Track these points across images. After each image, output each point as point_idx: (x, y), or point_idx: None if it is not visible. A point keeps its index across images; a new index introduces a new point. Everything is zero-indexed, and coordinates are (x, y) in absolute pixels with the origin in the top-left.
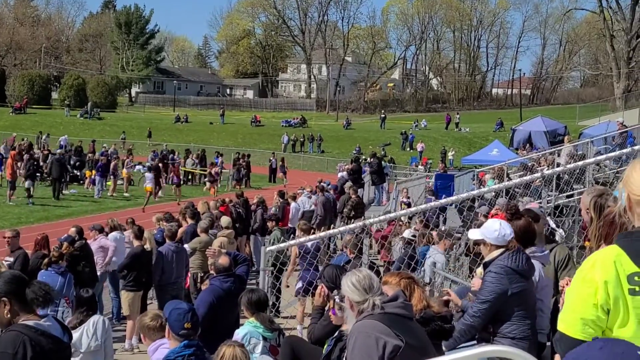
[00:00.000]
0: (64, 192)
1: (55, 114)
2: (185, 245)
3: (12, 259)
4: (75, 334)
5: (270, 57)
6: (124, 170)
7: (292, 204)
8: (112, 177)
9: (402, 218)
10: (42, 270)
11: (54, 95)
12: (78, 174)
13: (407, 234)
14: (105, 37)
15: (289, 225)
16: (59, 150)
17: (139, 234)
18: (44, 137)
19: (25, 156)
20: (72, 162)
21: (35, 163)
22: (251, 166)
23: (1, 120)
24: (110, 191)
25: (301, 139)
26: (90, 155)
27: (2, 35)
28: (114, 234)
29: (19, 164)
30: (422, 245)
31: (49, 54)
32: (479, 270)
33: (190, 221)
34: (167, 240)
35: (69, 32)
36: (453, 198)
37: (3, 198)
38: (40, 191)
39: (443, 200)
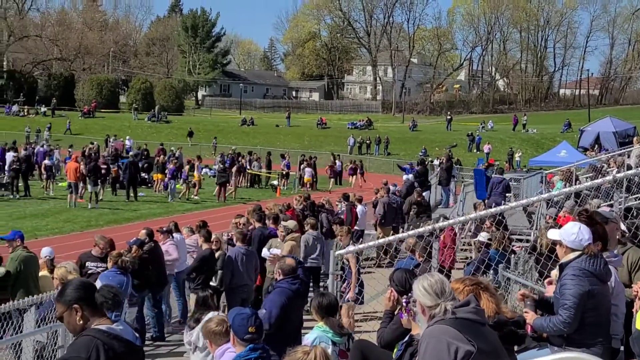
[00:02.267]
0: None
1: (123, 118)
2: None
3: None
4: (194, 331)
5: (336, 59)
6: (195, 174)
7: (359, 207)
8: (182, 180)
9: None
10: (104, 272)
11: (122, 99)
12: (146, 177)
13: (482, 237)
14: (172, 40)
15: (356, 228)
16: (131, 153)
17: (208, 237)
18: (112, 140)
19: (89, 163)
20: (140, 165)
21: (101, 166)
22: (317, 168)
23: (72, 125)
24: (181, 195)
25: (367, 141)
26: (158, 158)
27: (71, 40)
28: (175, 235)
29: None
30: (494, 248)
31: (117, 58)
32: (554, 272)
33: (257, 224)
34: (237, 243)
35: (137, 36)
36: (524, 201)
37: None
38: (109, 194)
39: (514, 204)
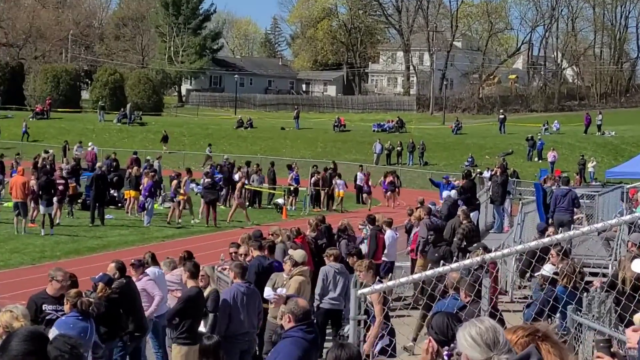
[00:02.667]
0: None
1: (86, 119)
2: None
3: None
4: None
5: (358, 43)
6: (182, 191)
7: (388, 232)
8: (164, 199)
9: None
10: (62, 318)
11: (85, 95)
12: (116, 194)
13: (546, 270)
14: (148, 20)
15: (383, 259)
16: (98, 164)
17: (195, 271)
18: (75, 147)
19: (42, 177)
20: (108, 180)
21: (58, 181)
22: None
23: (18, 127)
24: (170, 218)
25: (398, 148)
26: (130, 170)
27: (20, 20)
28: (152, 270)
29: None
30: (562, 285)
31: (78, 43)
32: (638, 317)
33: (256, 253)
34: (235, 280)
35: (103, 15)
36: (599, 224)
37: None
38: (68, 217)
39: (587, 228)
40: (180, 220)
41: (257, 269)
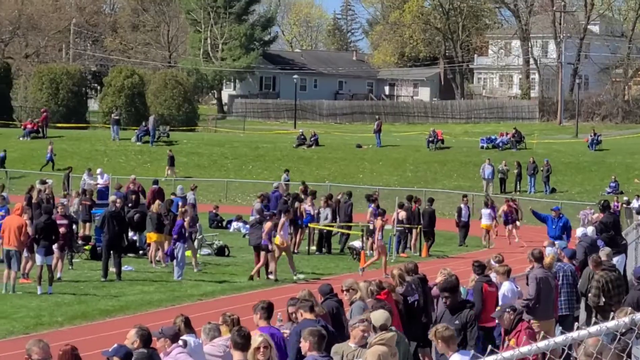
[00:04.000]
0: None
1: (95, 137)
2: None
3: None
4: None
5: (459, 29)
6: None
7: (505, 285)
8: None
9: None
10: None
11: (93, 104)
12: (136, 238)
13: None
14: (177, 3)
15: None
16: (112, 198)
17: (243, 343)
18: (84, 176)
19: (39, 217)
20: (126, 219)
21: (60, 222)
22: (429, 216)
23: (8, 149)
24: (254, 271)
25: (515, 169)
26: (155, 206)
27: (5, 7)
28: (187, 339)
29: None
30: None
31: (83, 35)
32: None
33: (308, 316)
34: (310, 351)
35: None
36: None
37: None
38: (79, 269)
39: None
40: (270, 277)
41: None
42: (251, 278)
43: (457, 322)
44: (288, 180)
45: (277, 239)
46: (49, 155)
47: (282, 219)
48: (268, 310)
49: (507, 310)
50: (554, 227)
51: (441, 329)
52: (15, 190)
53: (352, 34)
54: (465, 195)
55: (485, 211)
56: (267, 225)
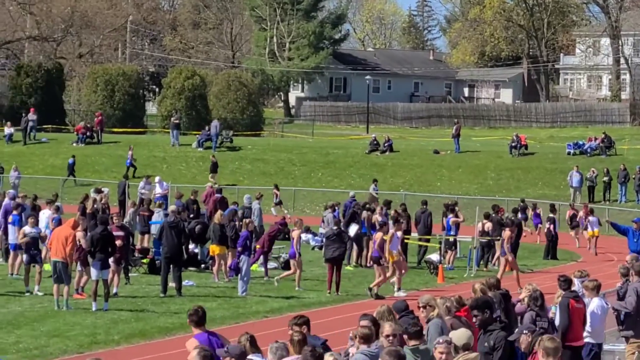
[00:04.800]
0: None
1: (153, 143)
2: None
3: None
4: None
5: (544, 26)
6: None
7: (594, 302)
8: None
9: None
10: None
11: (151, 107)
12: (197, 251)
13: None
14: (241, 0)
15: (586, 340)
16: (172, 208)
17: None
18: (142, 184)
19: (94, 228)
20: (186, 230)
21: (116, 234)
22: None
23: (58, 155)
24: (281, 277)
25: (605, 179)
26: (217, 216)
27: (57, 4)
28: (254, 359)
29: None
30: None
31: (140, 34)
32: None
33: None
34: None
35: None
36: None
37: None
38: (138, 284)
39: None
40: (299, 288)
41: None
42: (377, 296)
43: (485, 343)
44: (377, 191)
45: (391, 253)
46: (129, 161)
47: (391, 231)
48: (197, 315)
49: (525, 332)
50: (635, 240)
51: (546, 340)
52: (67, 200)
53: (429, 32)
54: (552, 205)
55: (594, 219)
56: (378, 236)
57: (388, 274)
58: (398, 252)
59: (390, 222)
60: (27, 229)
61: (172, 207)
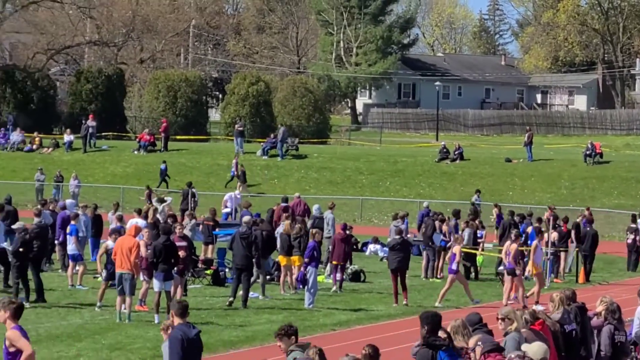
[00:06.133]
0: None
1: (215, 150)
2: None
3: None
4: None
5: (619, 31)
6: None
7: None
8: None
9: None
10: None
11: (214, 114)
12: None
13: None
14: (306, 4)
15: None
16: (246, 219)
17: None
18: (237, 194)
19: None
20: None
21: (178, 244)
22: (592, 239)
23: (118, 164)
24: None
25: None
26: (285, 226)
27: (118, 7)
28: None
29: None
30: None
31: (203, 38)
32: None
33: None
34: None
35: None
36: None
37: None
38: (194, 297)
39: None
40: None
41: None
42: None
43: None
44: (479, 202)
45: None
46: (233, 171)
47: (534, 242)
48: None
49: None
50: None
51: None
52: (129, 209)
53: (500, 36)
54: (634, 216)
55: None
56: (513, 247)
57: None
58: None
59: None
60: (109, 243)
61: (246, 218)
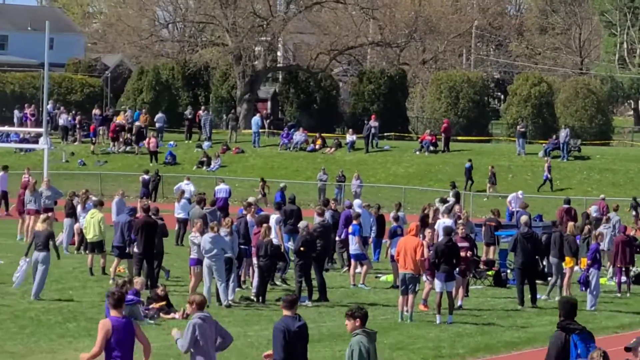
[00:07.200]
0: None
1: (497, 152)
2: None
3: None
4: None
5: None
6: None
7: None
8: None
9: None
10: None
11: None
12: (545, 263)
13: None
14: (590, 5)
15: None
16: (523, 219)
17: None
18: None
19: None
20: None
21: (456, 244)
22: None
23: (400, 164)
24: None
25: None
26: (570, 227)
27: (401, 8)
28: None
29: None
30: None
31: (485, 39)
32: None
33: None
34: None
35: None
36: None
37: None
38: (476, 297)
39: None
40: None
41: None
42: None
43: None
44: None
45: None
46: (546, 175)
47: None
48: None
49: None
50: None
51: None
52: (410, 210)
53: None
54: None
55: None
56: None
57: None
58: None
59: None
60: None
61: (523, 218)
